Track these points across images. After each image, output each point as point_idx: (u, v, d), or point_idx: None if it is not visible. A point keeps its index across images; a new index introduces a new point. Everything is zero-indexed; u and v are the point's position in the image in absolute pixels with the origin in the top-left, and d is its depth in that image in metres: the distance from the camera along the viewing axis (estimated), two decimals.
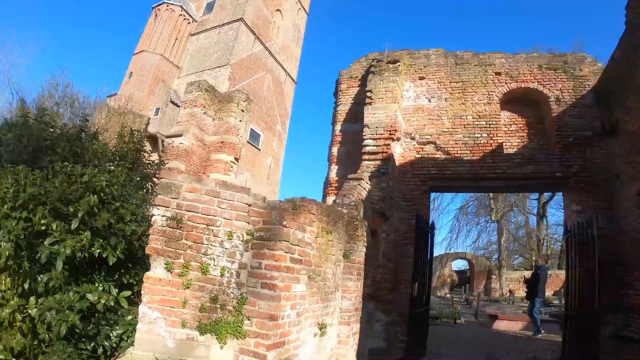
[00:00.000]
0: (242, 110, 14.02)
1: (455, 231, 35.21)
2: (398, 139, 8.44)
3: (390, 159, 8.08)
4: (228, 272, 3.75)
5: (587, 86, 8.55)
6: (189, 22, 33.39)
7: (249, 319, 3.62)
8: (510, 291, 35.37)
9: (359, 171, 7.80)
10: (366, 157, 8.08)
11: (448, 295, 32.80)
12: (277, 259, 3.65)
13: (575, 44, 39.74)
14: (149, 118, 23.80)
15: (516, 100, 9.13)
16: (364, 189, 7.33)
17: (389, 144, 8.07)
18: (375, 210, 7.48)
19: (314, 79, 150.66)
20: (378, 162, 7.96)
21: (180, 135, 13.08)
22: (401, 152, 8.71)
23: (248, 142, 28.70)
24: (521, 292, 37.12)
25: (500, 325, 12.29)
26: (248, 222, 3.85)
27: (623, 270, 7.03)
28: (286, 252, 3.72)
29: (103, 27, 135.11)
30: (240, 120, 13.96)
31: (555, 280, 36.84)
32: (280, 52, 35.05)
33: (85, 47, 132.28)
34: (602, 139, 8.03)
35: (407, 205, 8.42)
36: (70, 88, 19.05)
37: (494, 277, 34.22)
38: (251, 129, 29.37)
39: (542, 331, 10.80)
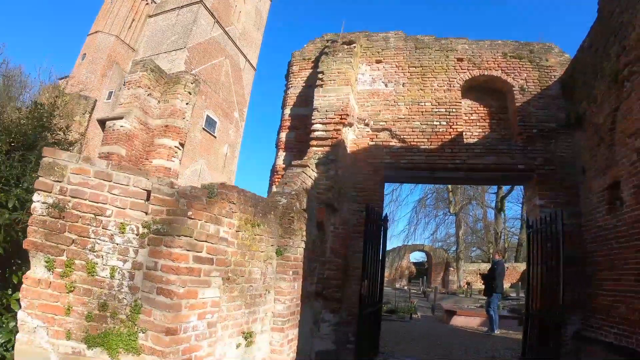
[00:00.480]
0: (190, 93, 13.06)
1: (414, 223, 35.16)
2: (350, 125, 7.80)
3: (341, 145, 7.44)
4: (119, 273, 2.98)
5: (553, 77, 8.19)
6: (147, 3, 31.64)
7: (143, 332, 2.89)
8: (468, 283, 35.71)
9: (305, 157, 7.12)
10: (314, 142, 7.42)
11: (406, 287, 32.75)
12: (175, 259, 2.91)
13: (540, 37, 40.09)
14: (95, 101, 22.28)
15: (478, 88, 8.65)
16: (310, 177, 6.65)
17: (339, 129, 7.43)
18: (321, 201, 6.83)
19: (274, 65, 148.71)
20: (327, 149, 7.31)
21: (121, 118, 12.05)
22: (354, 138, 8.08)
23: (204, 129, 28.04)
24: (479, 284, 37.64)
25: (458, 321, 11.94)
26: (146, 213, 3.07)
27: (588, 269, 6.72)
28: (188, 250, 2.98)
29: (57, 7, 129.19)
30: (187, 103, 13.01)
31: (513, 272, 37.45)
32: (241, 38, 33.78)
33: (39, 29, 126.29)
34: (567, 131, 7.71)
35: (359, 196, 7.83)
36: (6, 66, 17.51)
37: (452, 269, 34.45)
38: (207, 116, 28.51)
39: (496, 330, 10.50)
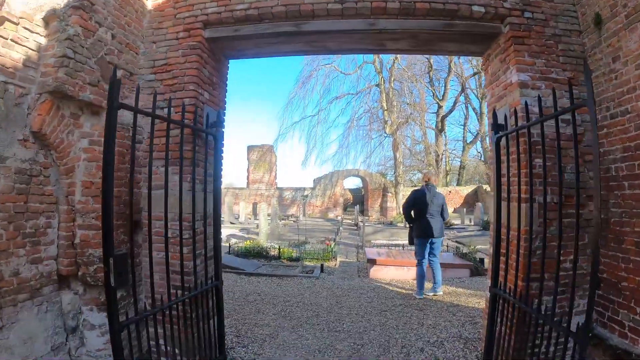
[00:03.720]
0: None
1: (345, 146, 31.54)
2: None
3: None
4: None
5: None
6: None
7: None
8: None
9: None
10: None
11: (339, 217, 29.54)
12: None
13: None
14: None
15: None
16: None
17: None
18: (47, 88, 2.60)
19: None
20: None
21: None
22: None
23: None
24: None
25: (383, 274, 8.33)
26: None
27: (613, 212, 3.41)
28: None
29: None
30: None
31: (455, 197, 35.14)
32: None
33: None
34: None
35: (159, 84, 4.09)
36: None
37: (390, 195, 31.26)
38: None
39: (439, 290, 6.99)
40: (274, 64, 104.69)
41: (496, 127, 3.94)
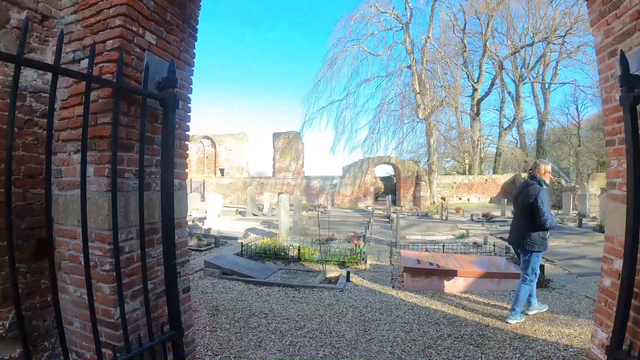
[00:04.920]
0: None
1: (376, 132, 29.60)
2: None
3: None
4: None
5: None
6: None
7: None
8: (443, 198, 31.10)
9: None
10: None
11: (369, 208, 27.81)
12: None
13: None
14: None
15: None
16: None
17: None
18: None
19: None
20: None
21: None
22: None
23: None
24: (454, 199, 33.11)
25: (424, 284, 6.71)
26: None
27: None
28: None
29: None
30: None
31: (492, 185, 32.83)
32: None
33: None
34: None
35: (82, 24, 2.68)
36: None
37: (424, 183, 29.31)
38: None
39: (535, 308, 5.38)
40: (298, 45, 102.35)
41: (629, 79, 2.27)
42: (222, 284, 7.15)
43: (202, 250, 10.37)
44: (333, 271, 7.96)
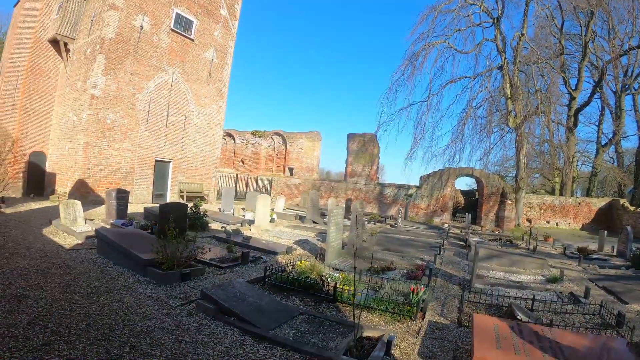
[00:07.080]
0: None
1: (459, 140, 26.13)
2: None
3: None
4: None
5: None
6: None
7: None
8: (529, 220, 27.36)
9: None
10: None
11: (446, 225, 24.67)
12: None
13: None
14: None
15: None
16: None
17: None
18: None
19: None
20: None
21: None
22: None
23: (172, 29, 21.64)
24: (542, 222, 28.76)
25: None
26: None
27: None
28: None
29: None
30: None
31: (585, 209, 28.08)
32: None
33: None
34: None
35: None
36: None
37: (509, 201, 25.59)
38: (177, 14, 21.71)
39: None
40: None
41: None
42: (210, 329, 5.08)
43: (222, 267, 8.35)
44: (375, 325, 5.61)
